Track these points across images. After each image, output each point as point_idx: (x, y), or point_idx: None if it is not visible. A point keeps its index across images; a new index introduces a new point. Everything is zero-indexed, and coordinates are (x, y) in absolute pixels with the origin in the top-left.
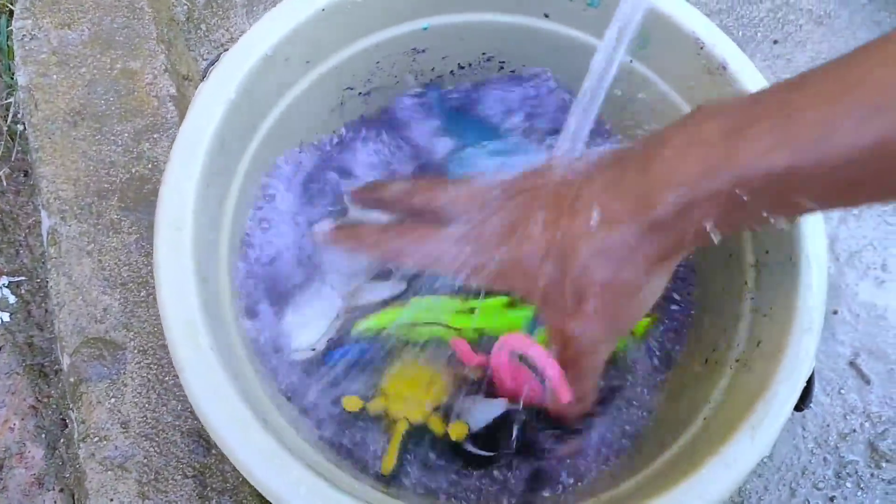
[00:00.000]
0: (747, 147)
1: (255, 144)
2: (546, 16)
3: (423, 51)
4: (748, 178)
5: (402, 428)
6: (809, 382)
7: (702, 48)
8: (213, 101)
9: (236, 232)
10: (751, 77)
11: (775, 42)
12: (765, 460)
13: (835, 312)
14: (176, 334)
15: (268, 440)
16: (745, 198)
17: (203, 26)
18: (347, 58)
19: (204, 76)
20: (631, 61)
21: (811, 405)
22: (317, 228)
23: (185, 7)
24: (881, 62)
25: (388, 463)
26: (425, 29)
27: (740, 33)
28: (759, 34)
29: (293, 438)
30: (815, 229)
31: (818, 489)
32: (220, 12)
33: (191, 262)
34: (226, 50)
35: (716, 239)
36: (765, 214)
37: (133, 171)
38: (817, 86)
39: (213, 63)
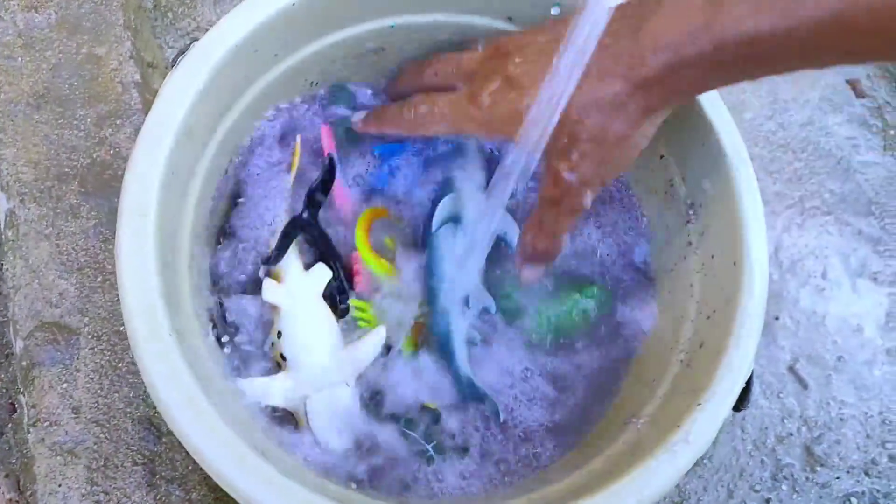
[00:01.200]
0: (725, 14)
1: (220, 135)
2: (510, 19)
3: (388, 49)
4: (726, 42)
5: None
6: (748, 384)
7: None
8: (181, 90)
9: (200, 220)
10: None
11: None
12: (704, 461)
13: (776, 318)
14: (135, 319)
15: (224, 429)
16: (723, 59)
17: (170, 14)
18: (314, 52)
19: (173, 64)
20: None
21: (750, 407)
22: (354, 118)
23: None
24: None
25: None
26: (392, 27)
27: None
28: None
29: (250, 427)
30: (758, 237)
31: (755, 491)
32: (188, 1)
33: (153, 248)
34: (195, 39)
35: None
36: (737, 73)
37: (94, 156)
38: None
39: (182, 52)
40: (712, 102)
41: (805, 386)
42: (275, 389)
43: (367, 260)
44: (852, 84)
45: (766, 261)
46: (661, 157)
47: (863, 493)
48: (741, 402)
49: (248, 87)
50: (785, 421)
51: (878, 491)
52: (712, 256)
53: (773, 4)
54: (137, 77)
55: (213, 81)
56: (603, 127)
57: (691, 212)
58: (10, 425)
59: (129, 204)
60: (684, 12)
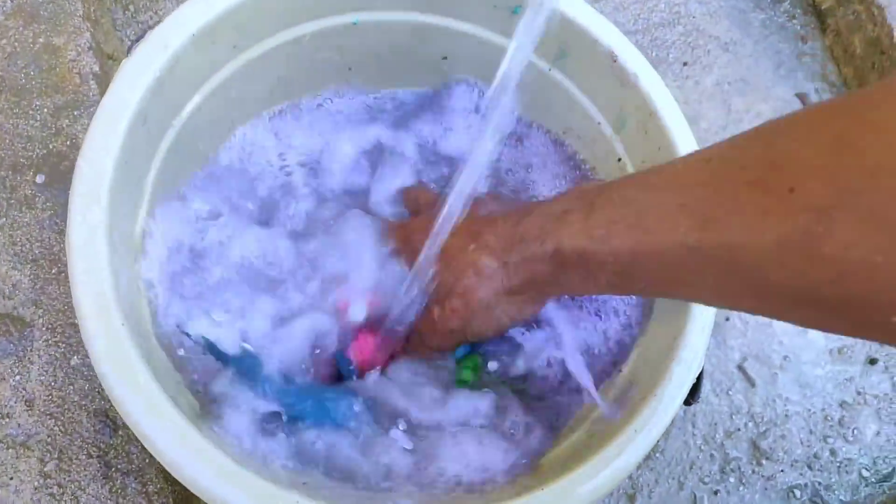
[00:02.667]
0: (563, 228)
1: (178, 125)
2: (472, 21)
3: (352, 46)
4: (560, 250)
5: None
6: (698, 380)
7: (615, 61)
8: (136, 76)
9: (153, 214)
10: (659, 90)
11: (685, 64)
12: (657, 454)
13: (727, 319)
14: (86, 309)
15: (179, 420)
16: (565, 263)
17: (131, 7)
18: (276, 46)
19: (129, 52)
20: (550, 69)
21: (700, 403)
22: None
23: None
24: (645, 188)
25: None
26: (355, 24)
27: (654, 54)
28: (670, 56)
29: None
30: None
31: (704, 483)
32: None
33: (105, 237)
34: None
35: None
36: (580, 282)
37: (51, 146)
38: (610, 193)
39: (138, 39)
40: (669, 111)
41: (753, 384)
42: None
43: None
44: (801, 97)
45: None
46: (619, 160)
47: (805, 485)
48: (691, 396)
49: (207, 79)
50: (733, 417)
51: (819, 483)
52: None
53: (591, 229)
54: (97, 68)
55: (169, 69)
56: (472, 288)
57: None
58: None
59: (80, 190)
60: (547, 216)
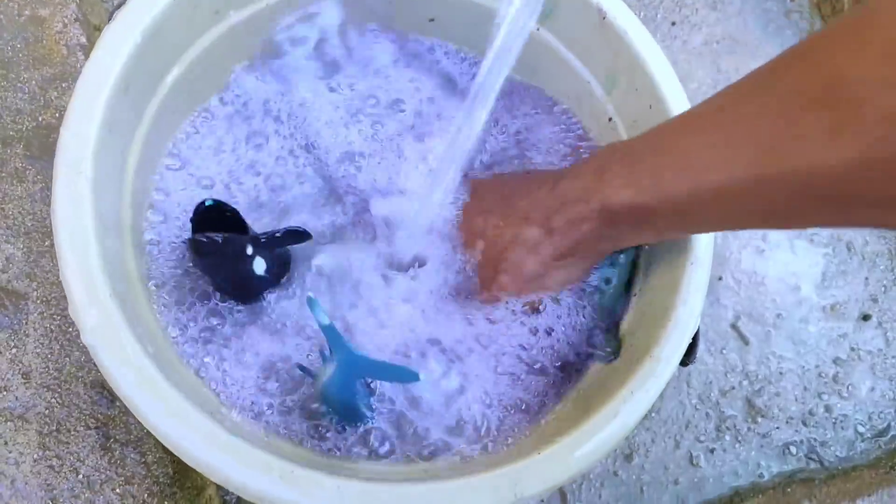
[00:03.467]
0: (606, 184)
1: (162, 92)
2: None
3: (324, 14)
4: (608, 206)
5: None
6: (694, 340)
7: (604, 18)
8: (118, 42)
9: (141, 184)
10: (649, 47)
11: (673, 24)
12: (653, 414)
13: (719, 279)
14: (73, 282)
15: (171, 392)
16: (612, 220)
17: None
18: (258, 11)
19: (110, 18)
20: (538, 29)
21: (695, 362)
22: None
23: None
24: (687, 131)
25: None
26: None
27: (642, 14)
28: (658, 16)
29: (195, 387)
30: None
31: (700, 441)
32: None
33: (90, 207)
34: None
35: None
36: (632, 234)
37: (40, 119)
38: (648, 144)
39: (120, 5)
40: (660, 67)
41: (746, 342)
42: None
43: None
44: None
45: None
46: (610, 119)
47: (801, 441)
48: (688, 356)
49: (191, 44)
50: (728, 375)
51: (815, 440)
52: None
53: (638, 181)
54: (83, 40)
55: (151, 35)
56: (519, 262)
57: None
58: None
59: (64, 160)
60: (586, 176)
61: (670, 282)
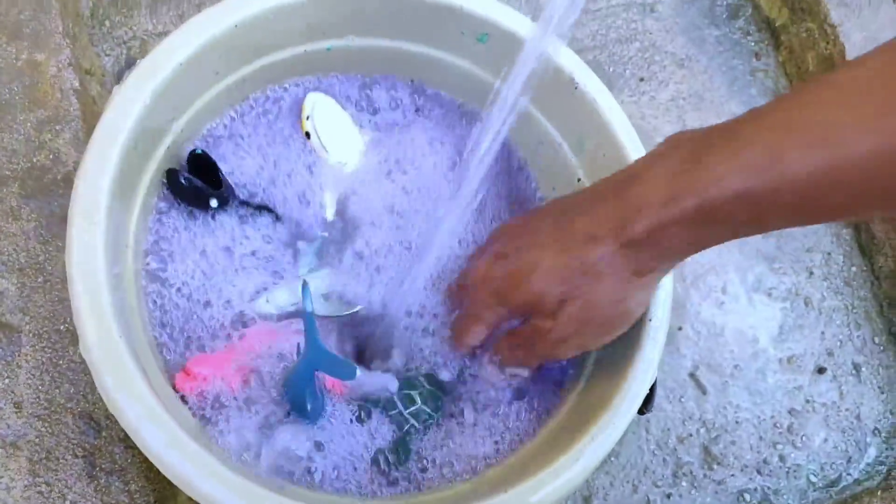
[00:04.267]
0: (706, 174)
1: (164, 146)
2: (440, 47)
3: (324, 70)
4: (710, 200)
5: None
6: (652, 390)
7: (576, 88)
8: (129, 103)
9: (143, 228)
10: (617, 116)
11: (641, 80)
12: (612, 459)
13: (679, 329)
14: (86, 324)
15: (173, 426)
16: (709, 217)
17: (107, 23)
18: (253, 71)
19: (119, 80)
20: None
21: (654, 410)
22: None
23: (91, 3)
24: (812, 103)
25: None
26: (328, 50)
27: (611, 69)
28: (627, 71)
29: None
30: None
31: (657, 486)
32: (125, 10)
33: (102, 255)
34: (130, 49)
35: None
36: (728, 233)
37: (34, 160)
38: (762, 120)
39: (129, 67)
40: (626, 135)
41: (704, 391)
42: None
43: None
44: None
45: (670, 285)
46: (579, 180)
47: (755, 489)
48: (645, 406)
49: (191, 102)
50: (686, 423)
51: (768, 488)
52: None
53: (750, 165)
54: (76, 84)
55: (158, 96)
56: (590, 287)
57: None
58: None
59: (79, 210)
60: (665, 173)
61: (629, 337)
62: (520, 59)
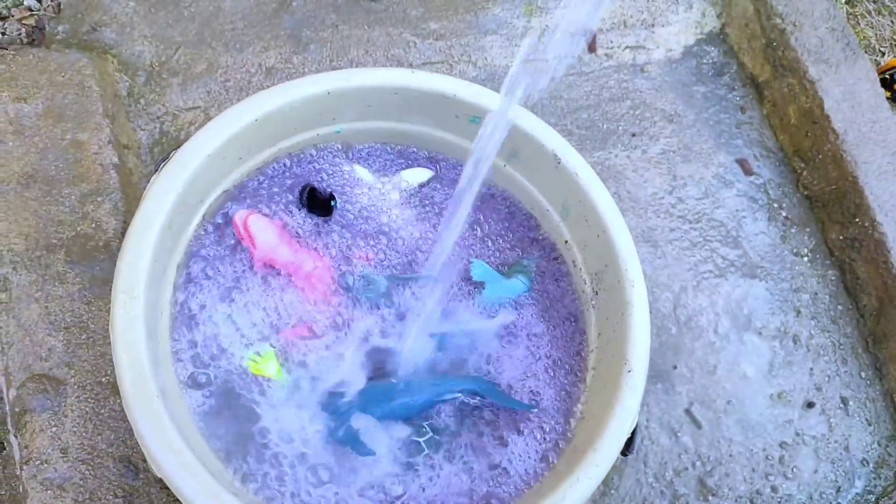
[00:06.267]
0: None
1: (193, 225)
2: (437, 126)
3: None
4: None
5: None
6: (633, 433)
7: (559, 163)
8: (164, 192)
9: (176, 298)
10: (597, 188)
11: (633, 135)
12: (612, 491)
13: (675, 367)
14: (129, 386)
15: (203, 473)
16: None
17: (142, 101)
18: (273, 153)
19: (156, 169)
20: (504, 165)
21: (651, 444)
22: None
23: (128, 84)
24: None
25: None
26: (338, 132)
27: (605, 126)
28: (620, 128)
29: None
30: (641, 320)
31: None
32: (158, 89)
33: (142, 324)
34: (163, 123)
35: None
36: None
37: (78, 229)
38: None
39: (164, 160)
40: (606, 206)
41: (699, 426)
42: None
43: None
44: (741, 163)
45: (647, 342)
46: (566, 241)
47: None
48: (627, 448)
49: (216, 185)
50: (681, 456)
51: None
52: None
53: None
54: (115, 159)
55: (189, 184)
56: None
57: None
58: None
59: (121, 287)
60: None
61: (610, 387)
62: (486, 122)
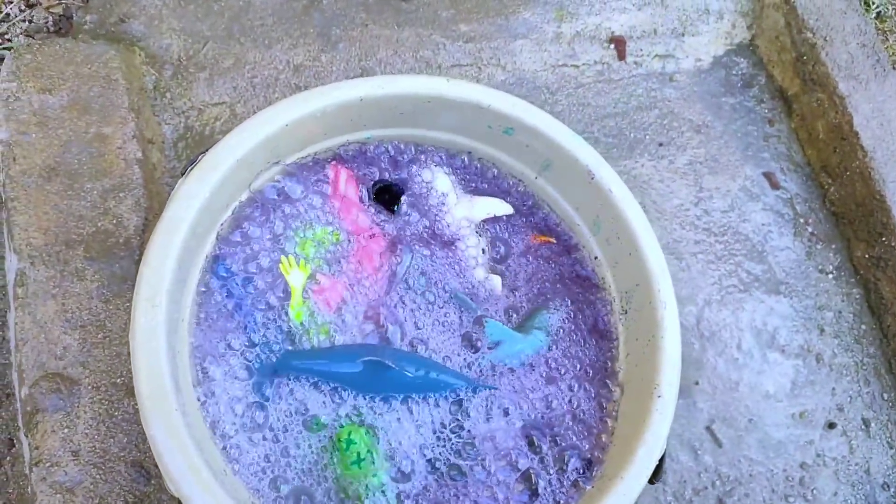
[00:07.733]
0: None
1: (216, 231)
2: (469, 135)
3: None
4: None
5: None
6: (661, 462)
7: (592, 178)
8: (190, 198)
9: (197, 304)
10: (630, 204)
11: (660, 144)
12: None
13: (696, 383)
14: (147, 400)
15: (219, 490)
16: None
17: (168, 95)
18: (301, 157)
19: (183, 173)
20: (536, 178)
21: (671, 462)
22: None
23: (154, 77)
24: None
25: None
26: (368, 138)
27: (632, 135)
28: (647, 137)
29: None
30: (672, 357)
31: None
32: (185, 83)
33: (164, 333)
34: (188, 118)
35: None
36: None
37: (99, 224)
38: None
39: (192, 163)
40: (639, 223)
41: (720, 444)
42: None
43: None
44: (768, 176)
45: (678, 365)
46: (595, 258)
47: None
48: (655, 476)
49: (242, 190)
50: (701, 475)
51: None
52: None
53: None
54: (139, 154)
55: (216, 190)
56: None
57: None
58: (7, 458)
59: (143, 294)
60: None
61: (639, 412)
62: None
